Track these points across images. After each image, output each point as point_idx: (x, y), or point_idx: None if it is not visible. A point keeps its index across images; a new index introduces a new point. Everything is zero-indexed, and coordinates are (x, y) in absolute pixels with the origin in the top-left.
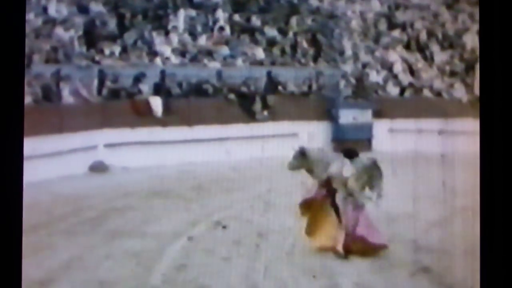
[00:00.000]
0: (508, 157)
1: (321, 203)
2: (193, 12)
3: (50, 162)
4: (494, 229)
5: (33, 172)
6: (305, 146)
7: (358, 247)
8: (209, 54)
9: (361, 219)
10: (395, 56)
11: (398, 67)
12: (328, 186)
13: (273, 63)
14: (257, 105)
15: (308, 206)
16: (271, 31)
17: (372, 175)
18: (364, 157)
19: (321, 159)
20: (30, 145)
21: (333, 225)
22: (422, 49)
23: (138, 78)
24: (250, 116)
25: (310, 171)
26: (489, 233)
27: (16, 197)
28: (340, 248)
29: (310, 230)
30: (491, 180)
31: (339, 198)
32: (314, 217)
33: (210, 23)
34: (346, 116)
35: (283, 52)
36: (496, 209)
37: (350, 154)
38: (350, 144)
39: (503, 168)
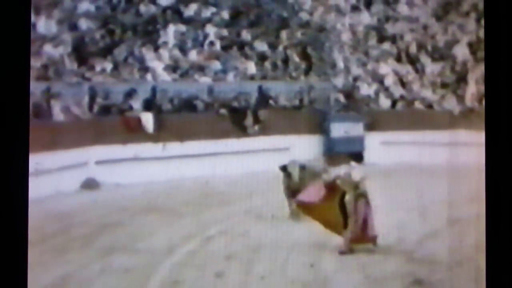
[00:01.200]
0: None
1: (326, 206)
2: (183, 27)
3: (41, 180)
4: (499, 239)
5: None
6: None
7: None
8: (200, 69)
9: (369, 218)
10: (386, 69)
11: (389, 80)
12: (333, 188)
13: (264, 78)
14: (249, 120)
15: (311, 209)
16: (262, 46)
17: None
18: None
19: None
20: None
21: (340, 227)
22: (412, 61)
23: (129, 94)
24: (241, 131)
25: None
26: (495, 243)
27: (21, 214)
28: (344, 248)
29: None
30: (498, 190)
31: (348, 200)
32: (322, 220)
33: (201, 38)
34: (338, 130)
35: (274, 66)
36: (502, 219)
37: (357, 158)
38: (342, 157)
39: (508, 179)
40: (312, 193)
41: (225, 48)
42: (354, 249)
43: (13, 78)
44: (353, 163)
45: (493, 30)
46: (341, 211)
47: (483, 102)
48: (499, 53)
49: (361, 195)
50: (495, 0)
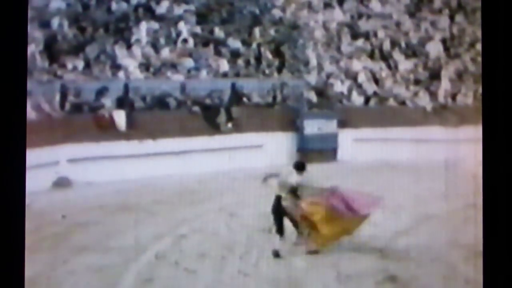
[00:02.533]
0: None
1: None
2: (155, 25)
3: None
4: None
5: None
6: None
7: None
8: (173, 66)
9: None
10: (359, 66)
11: (362, 77)
12: None
13: (237, 75)
14: (222, 117)
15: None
16: (235, 43)
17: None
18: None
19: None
20: None
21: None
22: (385, 58)
23: (101, 92)
24: (214, 128)
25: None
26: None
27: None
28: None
29: None
30: (494, 186)
31: (286, 204)
32: None
33: (173, 35)
34: (311, 127)
35: (247, 63)
36: (499, 215)
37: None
38: (315, 154)
39: (504, 176)
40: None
41: (197, 45)
42: (319, 250)
43: None
44: (290, 168)
45: (490, 28)
46: (286, 215)
47: (458, 98)
48: (496, 51)
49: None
50: None
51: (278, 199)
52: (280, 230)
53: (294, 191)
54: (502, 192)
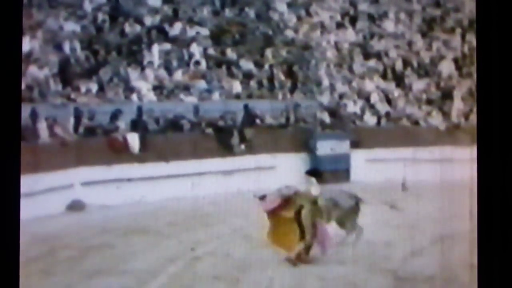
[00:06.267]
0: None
1: (281, 213)
2: (168, 47)
3: (26, 202)
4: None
5: None
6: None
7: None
8: (186, 88)
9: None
10: (372, 86)
11: (375, 97)
12: (288, 201)
13: (250, 96)
14: (235, 139)
15: (272, 215)
16: (247, 64)
17: (350, 217)
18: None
19: None
20: None
21: (293, 235)
22: (398, 78)
23: (115, 115)
24: (227, 150)
25: None
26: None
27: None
28: (293, 256)
29: (270, 235)
30: (490, 206)
31: (305, 214)
32: (275, 224)
33: (186, 57)
34: (324, 147)
35: (260, 84)
36: (494, 236)
37: (315, 173)
38: (328, 175)
39: (500, 194)
40: (268, 202)
41: (210, 67)
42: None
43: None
44: (313, 179)
45: (484, 45)
46: (298, 224)
47: (470, 117)
48: (491, 68)
49: (318, 211)
50: (486, 13)
51: (299, 208)
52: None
53: (315, 202)
54: (497, 205)
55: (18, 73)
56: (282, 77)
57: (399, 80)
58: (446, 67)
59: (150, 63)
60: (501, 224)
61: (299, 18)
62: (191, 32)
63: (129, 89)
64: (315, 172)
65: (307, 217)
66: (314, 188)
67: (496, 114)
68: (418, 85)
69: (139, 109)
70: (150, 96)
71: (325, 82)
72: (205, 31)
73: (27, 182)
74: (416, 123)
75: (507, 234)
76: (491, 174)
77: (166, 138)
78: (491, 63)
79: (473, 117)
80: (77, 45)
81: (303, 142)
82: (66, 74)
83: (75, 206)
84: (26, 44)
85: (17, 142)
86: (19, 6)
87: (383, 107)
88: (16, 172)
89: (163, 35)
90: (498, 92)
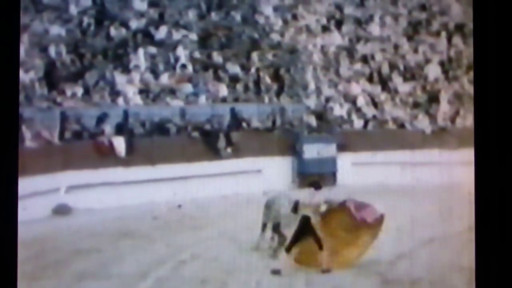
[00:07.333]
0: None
1: None
2: (154, 50)
3: None
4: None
5: None
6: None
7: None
8: (172, 92)
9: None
10: (358, 89)
11: (361, 100)
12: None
13: (236, 100)
14: (221, 142)
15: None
16: (234, 68)
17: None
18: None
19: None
20: None
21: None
22: (384, 81)
23: (100, 119)
24: (214, 154)
25: None
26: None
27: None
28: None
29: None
30: (487, 208)
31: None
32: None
33: (172, 61)
34: (311, 151)
35: (246, 88)
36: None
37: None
38: (315, 178)
39: (498, 198)
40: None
41: (196, 70)
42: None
43: None
44: (312, 189)
45: (481, 47)
46: (312, 236)
47: (457, 120)
48: (487, 70)
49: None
50: (483, 17)
51: (306, 219)
52: (289, 249)
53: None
54: (494, 212)
55: (16, 77)
56: (269, 81)
57: (385, 84)
58: (432, 71)
59: (136, 66)
60: (500, 225)
61: (285, 22)
62: (177, 35)
63: (115, 93)
64: (315, 183)
65: (318, 223)
66: (316, 198)
67: (492, 116)
68: (404, 88)
69: (125, 113)
70: (136, 99)
71: (312, 86)
72: (191, 35)
73: None
74: (402, 126)
75: (506, 234)
76: (488, 176)
77: (152, 142)
78: (487, 65)
79: (459, 121)
80: (63, 49)
81: (290, 146)
82: (52, 78)
83: (61, 210)
84: None
85: (14, 146)
86: (17, 10)
87: (369, 111)
88: (13, 175)
89: (149, 39)
90: (494, 94)
